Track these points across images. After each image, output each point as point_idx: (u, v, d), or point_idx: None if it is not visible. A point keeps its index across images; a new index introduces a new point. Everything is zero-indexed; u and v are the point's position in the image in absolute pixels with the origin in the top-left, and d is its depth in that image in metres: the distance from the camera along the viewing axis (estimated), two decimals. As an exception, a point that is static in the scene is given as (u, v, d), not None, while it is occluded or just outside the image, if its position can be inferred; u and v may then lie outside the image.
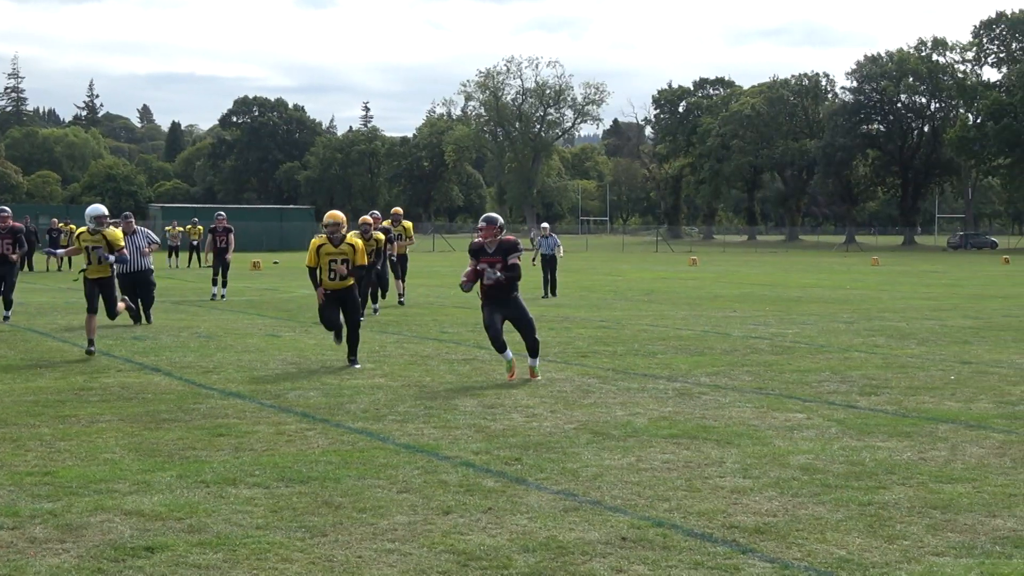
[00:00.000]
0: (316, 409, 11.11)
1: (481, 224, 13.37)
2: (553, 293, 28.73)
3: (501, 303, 13.16)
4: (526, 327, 13.19)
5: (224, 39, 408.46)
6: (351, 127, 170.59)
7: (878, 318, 22.55)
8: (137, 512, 7.14)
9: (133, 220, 20.70)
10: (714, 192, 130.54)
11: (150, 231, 20.57)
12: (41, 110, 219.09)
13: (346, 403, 11.47)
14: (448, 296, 28.29)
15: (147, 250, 20.06)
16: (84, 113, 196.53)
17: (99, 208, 16.40)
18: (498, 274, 13.03)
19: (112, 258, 16.05)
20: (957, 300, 28.88)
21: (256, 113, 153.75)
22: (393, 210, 25.56)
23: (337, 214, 14.61)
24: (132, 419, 10.47)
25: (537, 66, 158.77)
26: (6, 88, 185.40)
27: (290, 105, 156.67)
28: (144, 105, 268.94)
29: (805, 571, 6.08)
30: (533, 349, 13.25)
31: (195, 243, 47.78)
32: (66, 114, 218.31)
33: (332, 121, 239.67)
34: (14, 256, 19.93)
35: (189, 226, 50.93)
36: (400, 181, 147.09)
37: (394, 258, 24.44)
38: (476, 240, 13.35)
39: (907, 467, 8.55)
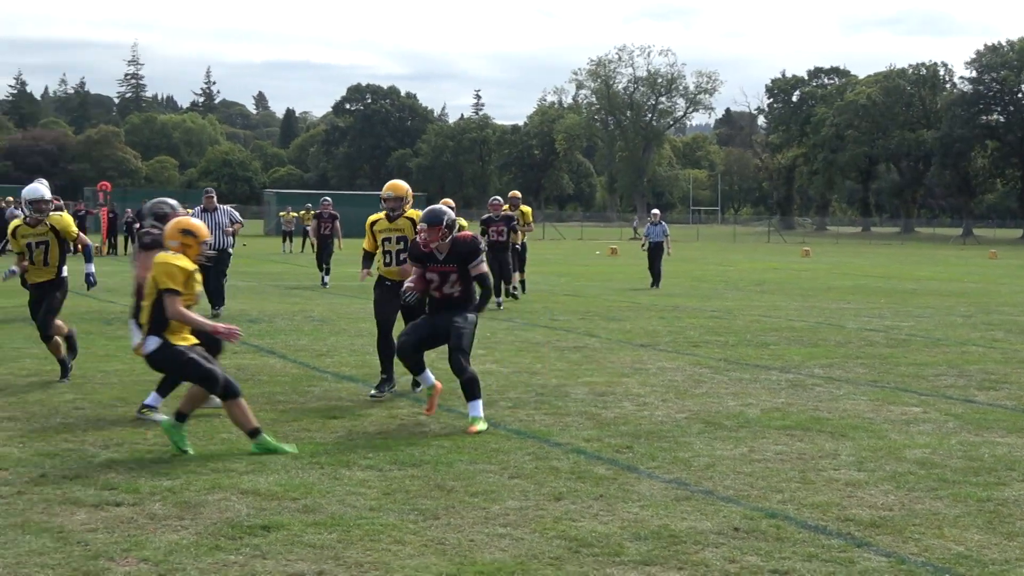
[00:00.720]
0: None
1: (422, 225, 9.80)
2: (656, 284, 27.80)
3: (451, 313, 9.87)
4: (452, 351, 9.65)
5: (338, 27, 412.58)
6: (462, 115, 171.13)
7: (996, 312, 22.10)
8: (253, 491, 7.25)
9: (215, 197, 19.40)
10: (827, 183, 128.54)
11: (233, 210, 19.60)
12: (159, 96, 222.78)
13: (457, 388, 11.51)
14: (558, 284, 28.29)
15: (229, 229, 18.95)
16: (201, 99, 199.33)
17: (38, 190, 12.15)
18: (454, 291, 9.84)
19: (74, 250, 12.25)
20: (1079, 295, 28.19)
21: (369, 100, 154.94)
22: (511, 193, 24.03)
23: (399, 184, 11.49)
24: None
25: (649, 55, 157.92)
26: (126, 75, 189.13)
27: (402, 93, 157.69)
28: (259, 92, 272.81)
29: (922, 566, 5.99)
30: (468, 391, 9.65)
31: (308, 228, 48.30)
32: (183, 100, 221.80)
33: (444, 109, 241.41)
34: None
35: (303, 212, 51.38)
36: (511, 169, 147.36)
37: (518, 246, 22.60)
38: (419, 243, 9.95)
39: (1028, 464, 8.38)
